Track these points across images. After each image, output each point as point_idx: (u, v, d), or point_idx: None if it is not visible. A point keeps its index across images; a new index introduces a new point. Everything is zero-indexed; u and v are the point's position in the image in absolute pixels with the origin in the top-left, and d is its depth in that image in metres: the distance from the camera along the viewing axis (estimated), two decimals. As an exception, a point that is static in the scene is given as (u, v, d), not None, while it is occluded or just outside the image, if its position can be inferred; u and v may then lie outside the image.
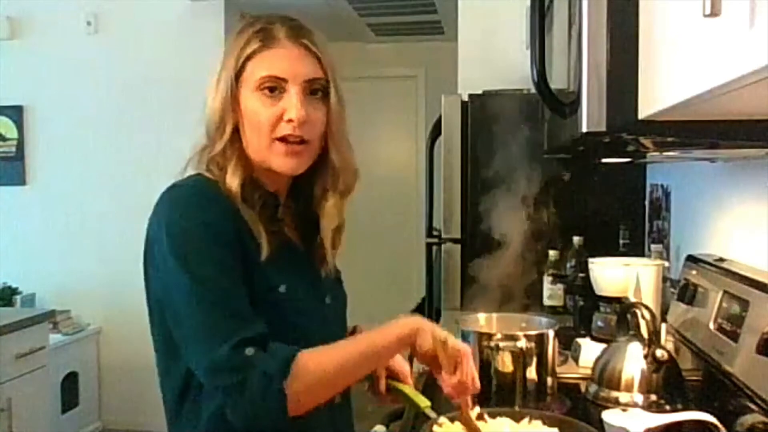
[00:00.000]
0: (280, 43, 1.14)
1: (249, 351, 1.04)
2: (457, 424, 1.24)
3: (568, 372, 1.79)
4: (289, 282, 1.16)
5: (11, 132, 4.37)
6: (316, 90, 1.16)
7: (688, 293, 1.65)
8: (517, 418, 1.28)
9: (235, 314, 1.07)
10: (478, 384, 1.18)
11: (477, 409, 1.27)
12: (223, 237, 1.09)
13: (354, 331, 1.36)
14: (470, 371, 1.16)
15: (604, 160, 2.08)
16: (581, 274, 2.17)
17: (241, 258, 1.10)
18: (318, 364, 1.08)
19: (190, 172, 1.18)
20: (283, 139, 1.14)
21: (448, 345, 1.14)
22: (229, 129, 1.14)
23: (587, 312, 1.98)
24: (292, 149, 1.15)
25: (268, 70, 1.13)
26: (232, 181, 1.13)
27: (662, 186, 2.43)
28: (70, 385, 4.05)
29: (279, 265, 1.14)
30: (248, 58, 1.14)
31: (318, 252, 1.25)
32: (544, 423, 1.27)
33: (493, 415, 1.28)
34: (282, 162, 1.15)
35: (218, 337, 1.04)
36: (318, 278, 1.25)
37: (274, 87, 1.13)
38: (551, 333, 1.60)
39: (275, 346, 1.06)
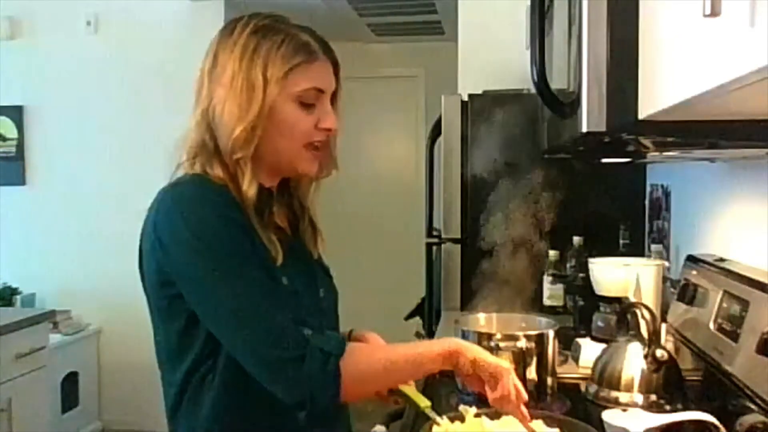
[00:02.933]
0: (319, 57, 1.17)
1: (307, 331, 1.08)
2: (458, 423, 1.24)
3: (568, 372, 1.79)
4: (289, 275, 1.17)
5: (11, 132, 4.37)
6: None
7: (688, 293, 1.65)
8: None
9: (279, 296, 1.10)
10: (524, 396, 1.19)
11: (474, 410, 1.28)
12: (241, 227, 1.11)
13: (350, 334, 1.37)
14: (510, 385, 1.17)
15: (604, 160, 2.08)
16: (581, 274, 2.17)
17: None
18: (367, 356, 1.12)
19: (188, 170, 1.17)
20: (310, 145, 1.18)
21: (487, 364, 1.16)
22: (259, 135, 1.13)
23: (587, 312, 1.98)
24: (319, 153, 1.20)
25: (312, 83, 1.16)
26: (250, 190, 1.14)
27: (662, 186, 2.43)
28: (70, 385, 4.05)
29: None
30: (291, 69, 1.14)
31: (307, 238, 1.28)
32: (545, 423, 1.27)
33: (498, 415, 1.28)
34: (309, 165, 1.20)
35: (274, 312, 1.07)
36: (312, 271, 1.27)
37: (313, 100, 1.16)
38: (551, 333, 1.60)
39: (327, 332, 1.11)
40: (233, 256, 1.08)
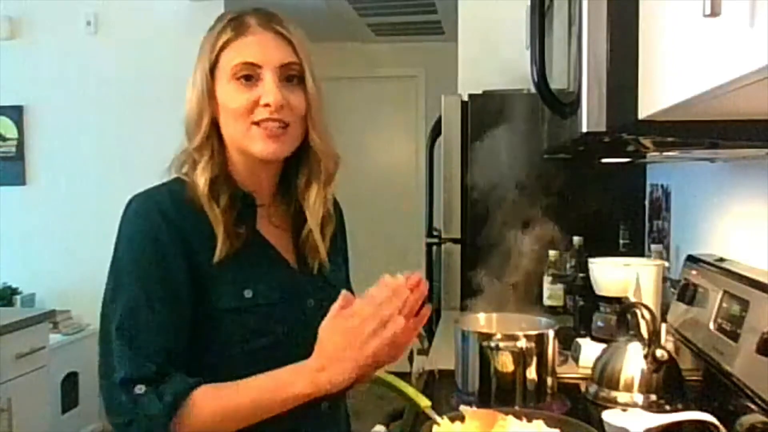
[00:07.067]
0: (251, 30, 1.15)
1: (139, 389, 1.06)
2: (458, 423, 1.24)
3: (568, 372, 1.79)
4: (257, 286, 1.13)
5: (11, 132, 4.37)
6: (292, 76, 1.16)
7: (688, 293, 1.65)
8: (520, 418, 1.28)
9: (137, 347, 1.11)
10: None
11: (467, 407, 1.28)
12: (162, 265, 1.10)
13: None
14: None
15: (604, 160, 2.08)
16: (581, 274, 2.17)
17: (191, 271, 1.10)
18: (212, 405, 1.05)
19: (173, 175, 1.18)
20: (259, 124, 1.13)
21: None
22: (206, 122, 1.14)
23: (587, 312, 1.98)
24: (272, 132, 1.13)
25: (242, 58, 1.13)
26: (200, 178, 1.12)
27: (662, 186, 2.43)
28: (70, 385, 4.05)
29: (245, 269, 1.13)
30: (221, 48, 1.14)
31: (307, 248, 1.22)
32: (545, 423, 1.27)
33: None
34: (262, 146, 1.13)
35: (118, 371, 1.11)
36: (296, 281, 1.20)
37: (249, 75, 1.13)
38: (551, 333, 1.60)
39: (170, 382, 1.05)
40: (129, 301, 1.17)
